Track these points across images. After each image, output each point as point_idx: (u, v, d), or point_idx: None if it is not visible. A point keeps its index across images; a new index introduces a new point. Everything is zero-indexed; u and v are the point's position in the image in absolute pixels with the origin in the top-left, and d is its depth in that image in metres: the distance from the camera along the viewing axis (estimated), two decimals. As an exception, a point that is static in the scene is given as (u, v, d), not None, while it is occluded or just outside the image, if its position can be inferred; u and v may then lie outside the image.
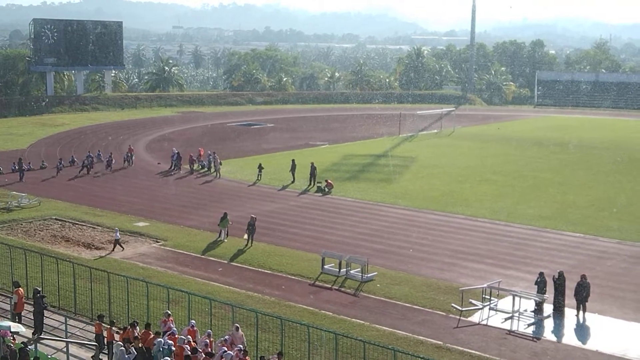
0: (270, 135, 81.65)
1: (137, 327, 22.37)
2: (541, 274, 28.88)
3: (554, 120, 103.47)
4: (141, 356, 20.89)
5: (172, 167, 58.03)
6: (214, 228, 39.27)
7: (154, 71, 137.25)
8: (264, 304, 28.18)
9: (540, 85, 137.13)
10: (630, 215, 44.16)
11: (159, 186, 52.91)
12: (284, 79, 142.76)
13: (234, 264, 33.94)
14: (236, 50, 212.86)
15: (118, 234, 36.26)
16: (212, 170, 56.97)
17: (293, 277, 32.09)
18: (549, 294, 28.10)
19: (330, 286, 31.00)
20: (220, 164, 56.50)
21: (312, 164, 53.02)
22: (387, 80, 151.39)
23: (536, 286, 28.55)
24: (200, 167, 59.01)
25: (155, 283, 27.09)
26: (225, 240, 37.35)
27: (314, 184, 51.52)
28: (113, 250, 35.59)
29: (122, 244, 36.09)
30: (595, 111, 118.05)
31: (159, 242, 37.61)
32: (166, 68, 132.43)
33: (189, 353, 20.39)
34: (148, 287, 25.48)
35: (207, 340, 21.56)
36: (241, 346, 21.25)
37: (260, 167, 55.03)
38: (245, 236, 36.82)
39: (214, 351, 21.32)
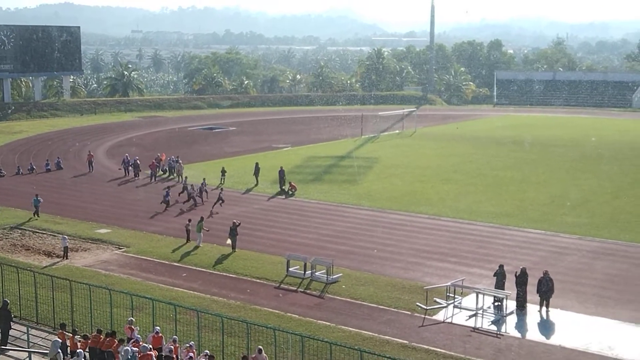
0: (232, 139, 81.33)
1: (102, 335, 22.11)
2: (501, 266, 29.42)
3: (512, 119, 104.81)
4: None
5: (127, 174, 57.26)
6: (178, 234, 39.00)
7: (113, 76, 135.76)
8: (229, 309, 28.07)
9: (499, 84, 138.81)
10: (588, 211, 44.93)
11: (121, 192, 52.35)
12: (246, 82, 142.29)
13: (199, 269, 33.76)
14: (196, 53, 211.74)
15: (66, 241, 35.76)
16: (175, 175, 56.53)
17: (258, 281, 32.01)
18: (512, 290, 28.46)
19: (295, 288, 30.99)
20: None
21: (281, 168, 52.89)
22: (349, 81, 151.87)
23: (495, 277, 28.99)
24: (162, 172, 58.49)
25: (118, 290, 26.79)
26: (201, 246, 37.08)
27: (288, 189, 51.27)
28: (65, 257, 35.09)
29: (67, 253, 35.48)
30: (552, 109, 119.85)
31: (121, 248, 37.21)
32: (125, 73, 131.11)
33: (155, 360, 20.24)
34: (111, 295, 25.19)
35: (172, 347, 21.39)
36: (207, 351, 21.13)
37: (223, 171, 54.77)
38: (229, 241, 36.61)
39: (179, 357, 21.19)
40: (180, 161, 57.04)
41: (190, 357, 20.81)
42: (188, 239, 38.05)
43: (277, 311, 28.07)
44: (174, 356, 20.86)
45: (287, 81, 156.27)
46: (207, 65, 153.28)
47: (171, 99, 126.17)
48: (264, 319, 26.70)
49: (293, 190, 50.76)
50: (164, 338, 22.54)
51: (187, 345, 21.66)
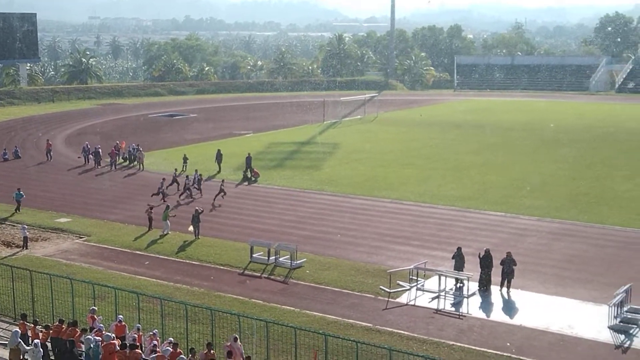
0: (193, 126, 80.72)
1: (64, 325, 21.89)
2: (459, 248, 29.78)
3: (473, 104, 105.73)
4: (66, 355, 20.49)
5: (87, 162, 56.51)
6: (140, 222, 38.68)
7: (71, 63, 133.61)
8: (193, 296, 27.98)
9: (459, 69, 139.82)
10: (547, 193, 45.63)
11: (81, 181, 51.68)
12: (206, 69, 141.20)
13: (162, 257, 33.56)
14: (156, 40, 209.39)
15: (26, 231, 35.25)
16: (135, 162, 55.99)
17: (222, 268, 31.94)
18: (474, 272, 28.83)
19: (259, 274, 30.99)
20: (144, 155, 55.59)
21: (249, 154, 52.64)
22: (310, 67, 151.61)
23: (453, 260, 29.37)
24: (122, 160, 57.85)
25: (79, 280, 26.51)
26: (168, 233, 36.76)
27: (250, 176, 51.07)
28: (25, 247, 34.61)
29: (27, 242, 35.00)
30: (512, 93, 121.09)
31: (82, 237, 36.79)
32: (83, 60, 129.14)
33: (118, 348, 20.11)
34: (72, 284, 24.91)
35: (136, 335, 21.27)
36: (171, 339, 21.05)
37: (185, 158, 54.35)
38: (191, 228, 36.35)
39: (143, 345, 21.08)
40: (141, 149, 56.45)
41: (154, 344, 20.73)
42: (150, 227, 37.73)
43: (241, 297, 28.06)
44: (138, 344, 20.74)
45: (248, 67, 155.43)
46: (166, 51, 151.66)
47: (130, 86, 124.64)
48: (228, 305, 26.67)
49: (256, 176, 50.64)
50: (127, 327, 22.38)
51: (151, 333, 21.57)
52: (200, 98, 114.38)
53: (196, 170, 47.56)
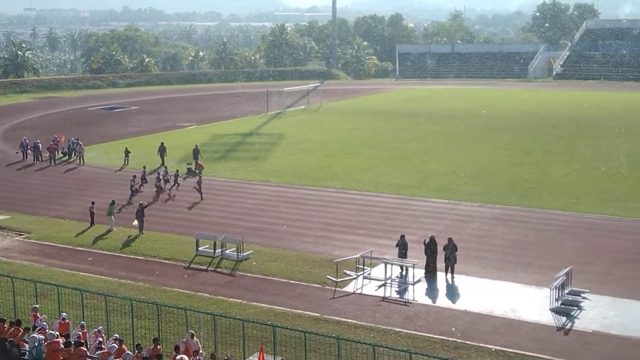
0: (135, 118, 79.52)
1: (6, 324, 21.35)
2: (402, 236, 30.10)
3: (414, 92, 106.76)
4: (6, 354, 20.01)
5: (25, 157, 55.17)
6: (81, 217, 37.97)
7: (6, 56, 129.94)
8: (138, 291, 27.63)
9: (401, 58, 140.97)
10: (488, 179, 46.43)
11: (20, 177, 50.43)
12: (146, 60, 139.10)
13: (105, 252, 33.03)
14: (94, 31, 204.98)
15: None
16: (75, 157, 54.91)
17: (167, 262, 31.61)
18: (420, 259, 29.17)
19: (205, 268, 30.78)
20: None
21: (196, 146, 52.11)
22: (253, 58, 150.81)
23: (397, 248, 29.69)
24: (62, 154, 56.66)
25: (20, 277, 25.86)
26: (114, 230, 36.14)
27: (195, 168, 50.53)
28: None
29: None
30: (452, 81, 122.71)
31: (22, 234, 35.94)
32: (19, 53, 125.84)
33: (62, 346, 19.73)
34: (13, 282, 24.31)
35: (80, 332, 20.91)
36: (117, 335, 20.75)
37: (126, 152, 53.56)
38: (135, 223, 35.78)
39: (88, 342, 20.73)
40: (81, 143, 55.40)
41: (100, 341, 20.40)
42: (92, 223, 37.09)
43: (187, 291, 27.82)
44: (83, 342, 20.39)
45: (190, 58, 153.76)
46: (105, 43, 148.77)
47: (68, 78, 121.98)
48: (174, 299, 26.43)
49: (199, 169, 50.18)
50: (71, 324, 21.97)
51: (96, 330, 21.22)
52: (141, 90, 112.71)
53: (165, 167, 47.10)
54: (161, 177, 43.69)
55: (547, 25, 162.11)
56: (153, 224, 36.59)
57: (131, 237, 34.78)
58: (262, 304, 26.45)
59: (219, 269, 30.60)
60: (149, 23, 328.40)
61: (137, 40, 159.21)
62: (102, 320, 22.99)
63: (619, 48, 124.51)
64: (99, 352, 19.92)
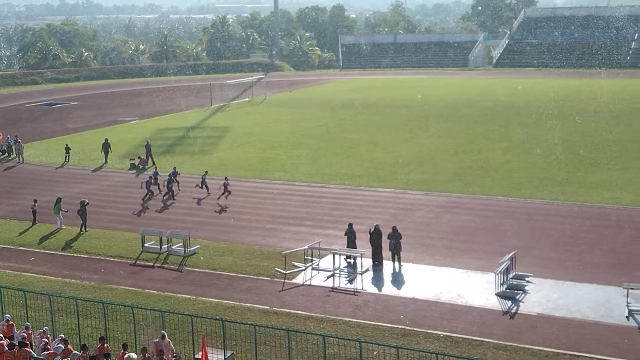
0: (75, 114, 77.95)
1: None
2: (350, 225, 30.33)
3: (359, 82, 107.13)
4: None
5: None
6: (23, 216, 37.11)
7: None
8: (84, 290, 27.19)
9: (344, 48, 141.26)
10: (433, 168, 46.98)
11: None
12: (85, 54, 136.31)
13: (48, 252, 32.36)
14: (30, 26, 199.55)
15: None
16: (14, 155, 53.60)
17: (112, 259, 31.15)
18: (367, 249, 29.36)
19: (152, 264, 30.45)
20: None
21: (147, 141, 51.29)
22: (195, 50, 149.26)
23: (346, 237, 29.86)
24: (0, 152, 55.23)
25: (-40, 281, 25.22)
26: (63, 228, 35.32)
27: (152, 163, 49.82)
28: None
29: None
30: (395, 71, 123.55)
31: (-40, 236, 34.96)
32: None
33: (7, 348, 19.28)
34: (-48, 286, 23.66)
35: (25, 334, 20.47)
36: (62, 335, 20.37)
37: (67, 148, 52.48)
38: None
39: (33, 343, 20.32)
40: (20, 140, 54.09)
41: (45, 342, 20.01)
42: (34, 222, 36.28)
43: (134, 288, 27.49)
44: (27, 343, 19.97)
45: (130, 52, 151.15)
46: (42, 38, 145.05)
47: (5, 75, 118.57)
48: (120, 297, 26.08)
49: (143, 164, 49.54)
50: (15, 326, 21.49)
51: (41, 330, 20.82)
52: (80, 85, 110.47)
53: (156, 168, 44.88)
54: (152, 180, 41.55)
55: (486, 14, 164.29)
56: (97, 221, 36.00)
57: (75, 236, 34.15)
58: (210, 299, 26.30)
59: (165, 265, 30.30)
60: (86, 17, 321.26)
61: (75, 34, 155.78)
62: (47, 321, 22.56)
63: (556, 35, 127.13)
64: (45, 353, 19.56)
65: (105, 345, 20.08)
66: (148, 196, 40.46)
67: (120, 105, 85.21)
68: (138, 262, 30.75)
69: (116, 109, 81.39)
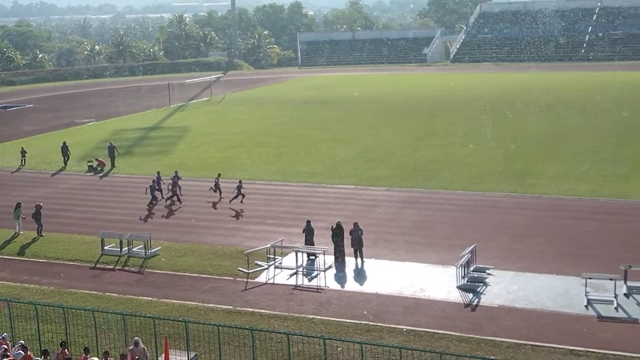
0: (30, 117, 76.64)
1: None
2: (308, 222, 30.39)
3: (318, 80, 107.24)
4: None
5: None
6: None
7: None
8: (43, 295, 26.75)
9: (302, 46, 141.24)
10: (394, 163, 47.25)
11: None
12: (40, 56, 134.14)
13: (4, 257, 31.77)
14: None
15: None
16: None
17: (72, 263, 30.71)
18: (330, 246, 29.41)
19: (113, 267, 30.08)
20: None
21: (111, 143, 50.60)
22: (152, 50, 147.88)
23: (304, 234, 29.90)
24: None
25: None
26: (21, 233, 34.64)
27: (112, 165, 49.22)
28: None
29: None
30: (354, 68, 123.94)
31: None
32: None
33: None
34: None
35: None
36: (22, 341, 20.04)
37: (23, 152, 51.56)
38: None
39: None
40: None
41: (4, 349, 19.67)
42: (-10, 227, 35.61)
43: (94, 292, 27.14)
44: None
45: (86, 53, 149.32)
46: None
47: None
48: (81, 301, 25.74)
49: (101, 166, 48.94)
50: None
51: (0, 337, 20.44)
52: (35, 87, 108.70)
53: (158, 173, 42.33)
54: (155, 185, 39.77)
55: (443, 9, 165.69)
56: (55, 225, 35.44)
57: (31, 241, 33.60)
58: (173, 300, 26.09)
59: (126, 268, 29.98)
60: (40, 18, 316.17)
61: (29, 35, 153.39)
62: (6, 327, 22.18)
63: (512, 30, 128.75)
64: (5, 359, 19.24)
65: (66, 350, 19.83)
66: (153, 203, 39.08)
67: (76, 106, 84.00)
68: (98, 265, 30.36)
69: (73, 110, 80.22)
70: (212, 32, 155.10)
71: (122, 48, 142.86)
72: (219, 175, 40.79)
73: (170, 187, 39.76)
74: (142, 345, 19.96)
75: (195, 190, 42.37)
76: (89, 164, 49.39)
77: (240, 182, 39.17)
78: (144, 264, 30.15)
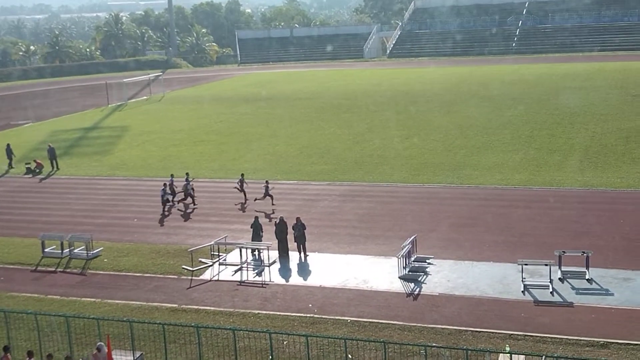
0: (-37, 120, 74.71)
1: None
2: (256, 217, 30.60)
3: (257, 77, 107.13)
4: None
5: None
6: None
7: None
8: (-17, 300, 26.30)
9: (241, 44, 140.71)
10: (334, 158, 47.68)
11: None
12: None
13: (-59, 263, 31.05)
14: None
15: None
16: None
17: (11, 267, 30.23)
18: (273, 241, 29.64)
19: (54, 269, 29.74)
20: None
21: (50, 145, 49.63)
22: (88, 50, 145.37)
23: (252, 229, 30.16)
24: None
25: None
26: None
27: (56, 167, 48.28)
28: None
29: None
30: (293, 64, 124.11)
31: None
32: None
33: None
34: None
35: None
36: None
37: (-43, 155, 50.38)
38: None
39: None
40: None
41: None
42: None
43: (36, 295, 26.80)
44: None
45: (20, 54, 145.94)
46: None
47: None
48: (22, 305, 25.39)
49: (40, 168, 48.12)
50: None
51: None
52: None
53: (172, 176, 40.47)
54: (167, 189, 38.28)
55: (378, 5, 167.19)
56: (-7, 229, 34.82)
57: (-30, 245, 32.95)
58: (117, 301, 25.97)
59: (68, 269, 29.68)
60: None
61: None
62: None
63: (446, 25, 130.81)
64: (-56, 367, 18.93)
65: (8, 355, 19.61)
66: (168, 206, 37.87)
67: (12, 108, 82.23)
68: (39, 268, 29.97)
69: (8, 112, 78.48)
70: (150, 31, 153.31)
71: (58, 48, 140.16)
72: (243, 175, 39.37)
73: (184, 188, 38.41)
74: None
75: (136, 190, 42.10)
76: (27, 165, 48.51)
77: (267, 182, 38.06)
78: (86, 265, 29.89)
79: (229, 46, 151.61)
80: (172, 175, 40.16)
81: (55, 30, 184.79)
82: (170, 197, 38.06)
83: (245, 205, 37.73)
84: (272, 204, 36.81)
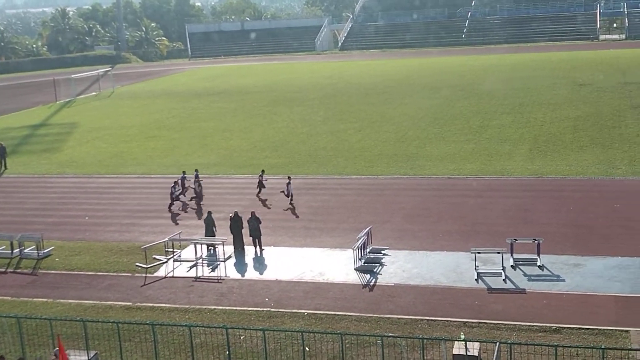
0: None
1: None
2: (209, 212, 30.49)
3: (209, 71, 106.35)
4: None
5: None
6: None
7: None
8: None
9: (192, 37, 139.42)
10: (288, 151, 47.68)
11: None
12: None
13: None
14: None
15: None
16: None
17: (-40, 269, 29.53)
18: (228, 236, 29.50)
19: (4, 269, 29.13)
20: None
21: (1, 144, 48.39)
22: (34, 45, 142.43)
23: (205, 224, 29.99)
24: None
25: None
26: None
27: (5, 166, 47.13)
28: None
29: None
30: (244, 58, 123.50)
31: None
32: None
33: None
34: None
35: None
36: None
37: None
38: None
39: None
40: None
41: None
42: None
43: (-14, 297, 26.25)
44: None
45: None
46: None
47: None
48: (-28, 307, 24.85)
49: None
50: None
51: None
52: None
53: (184, 172, 39.24)
54: (176, 185, 37.12)
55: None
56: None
57: None
58: (69, 300, 25.58)
59: (18, 270, 29.11)
60: None
61: None
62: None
63: (397, 17, 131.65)
64: None
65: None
66: (180, 202, 36.99)
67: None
68: (-12, 269, 29.33)
69: (-49, 110, 76.47)
70: (98, 26, 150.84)
71: (4, 44, 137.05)
72: (263, 171, 38.51)
73: (194, 184, 37.73)
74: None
75: (87, 187, 41.47)
76: (5, 165, 47.35)
77: (289, 178, 36.94)
78: (37, 265, 29.36)
79: (179, 40, 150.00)
80: (184, 172, 39.11)
81: (0, 26, 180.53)
82: (179, 194, 36.96)
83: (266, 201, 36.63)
84: (291, 202, 35.73)
